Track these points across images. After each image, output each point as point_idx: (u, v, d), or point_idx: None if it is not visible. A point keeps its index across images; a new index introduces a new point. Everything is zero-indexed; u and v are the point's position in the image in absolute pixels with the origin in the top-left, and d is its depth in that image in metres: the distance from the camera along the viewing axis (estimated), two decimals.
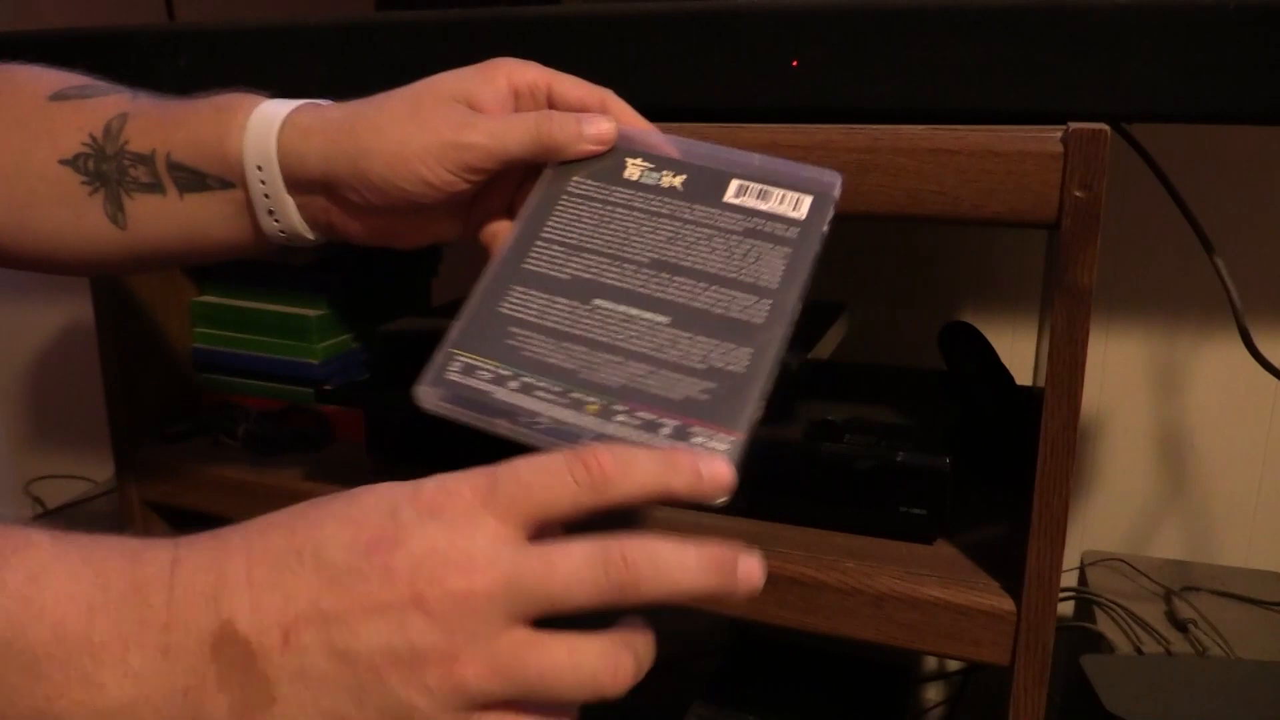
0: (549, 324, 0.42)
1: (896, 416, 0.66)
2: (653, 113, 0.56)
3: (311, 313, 0.79)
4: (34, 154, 0.48)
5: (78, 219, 0.48)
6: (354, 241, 0.50)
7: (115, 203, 0.48)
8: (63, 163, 0.48)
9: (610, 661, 0.35)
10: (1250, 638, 0.76)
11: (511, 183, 0.49)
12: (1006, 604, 0.53)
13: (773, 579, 0.58)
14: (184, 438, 0.81)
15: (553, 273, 0.44)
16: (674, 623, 1.18)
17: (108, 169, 0.48)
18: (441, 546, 0.32)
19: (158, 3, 0.98)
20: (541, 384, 0.41)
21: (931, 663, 1.06)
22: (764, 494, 0.63)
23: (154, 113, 0.49)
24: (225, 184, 0.48)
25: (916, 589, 0.55)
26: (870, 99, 0.52)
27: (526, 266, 0.44)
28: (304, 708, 0.32)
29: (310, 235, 0.49)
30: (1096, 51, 0.48)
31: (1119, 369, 0.95)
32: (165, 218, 0.48)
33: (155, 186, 0.48)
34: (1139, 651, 0.75)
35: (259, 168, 0.47)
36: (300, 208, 0.48)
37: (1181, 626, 0.77)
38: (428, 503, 0.33)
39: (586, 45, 0.57)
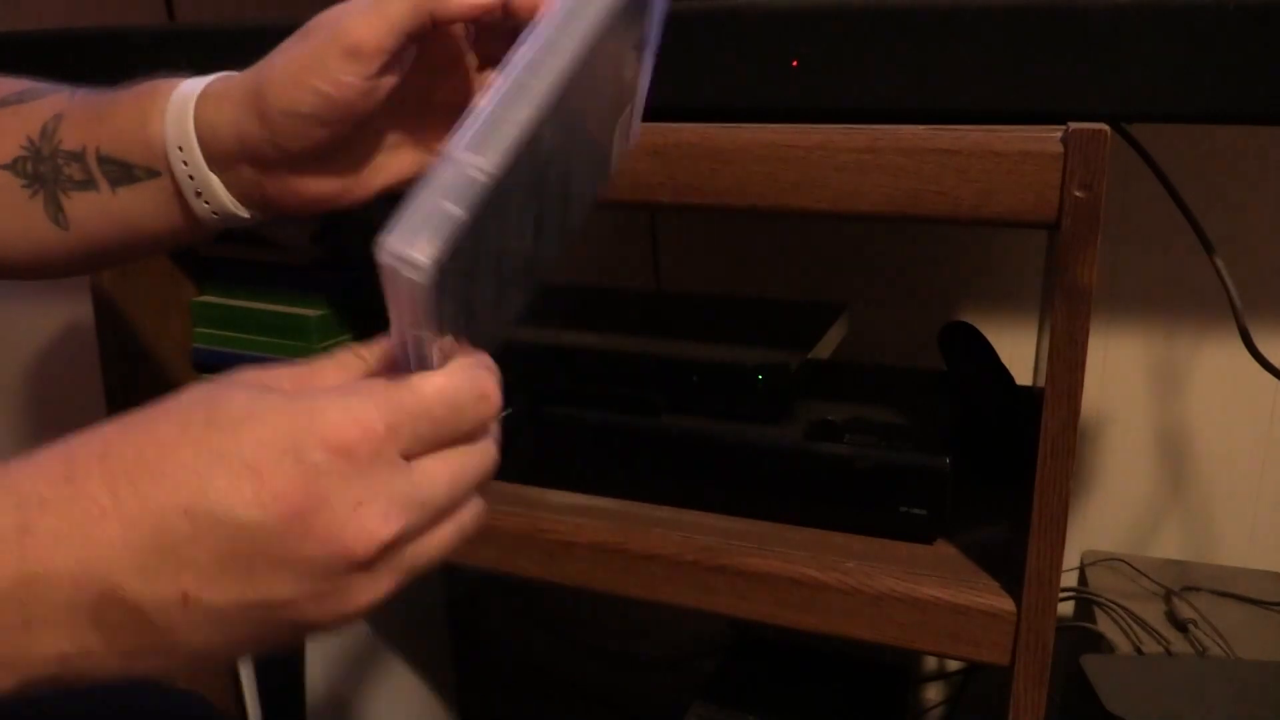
0: None
1: (896, 416, 0.66)
2: (653, 113, 0.56)
3: (311, 313, 0.79)
4: None
5: (22, 223, 0.48)
6: (295, 213, 0.47)
7: (54, 204, 0.48)
8: (3, 168, 0.48)
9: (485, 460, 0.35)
10: (1250, 638, 0.76)
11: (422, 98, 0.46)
12: (1006, 604, 0.53)
13: (773, 579, 0.58)
14: None
15: None
16: (674, 623, 1.18)
17: (44, 170, 0.47)
18: (363, 498, 0.30)
19: (158, 3, 0.98)
20: None
21: (931, 663, 1.06)
22: (764, 494, 0.63)
23: (85, 109, 0.48)
24: (151, 173, 0.46)
25: (916, 589, 0.55)
26: (870, 99, 0.52)
27: None
28: (208, 644, 0.31)
29: (244, 213, 0.47)
30: (1096, 51, 0.48)
31: (1119, 369, 0.95)
32: (102, 214, 0.48)
33: (89, 183, 0.47)
34: (1139, 651, 0.75)
35: (179, 148, 0.45)
36: (228, 185, 0.46)
37: (1181, 626, 0.77)
38: (337, 443, 0.30)
39: None
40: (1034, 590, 0.52)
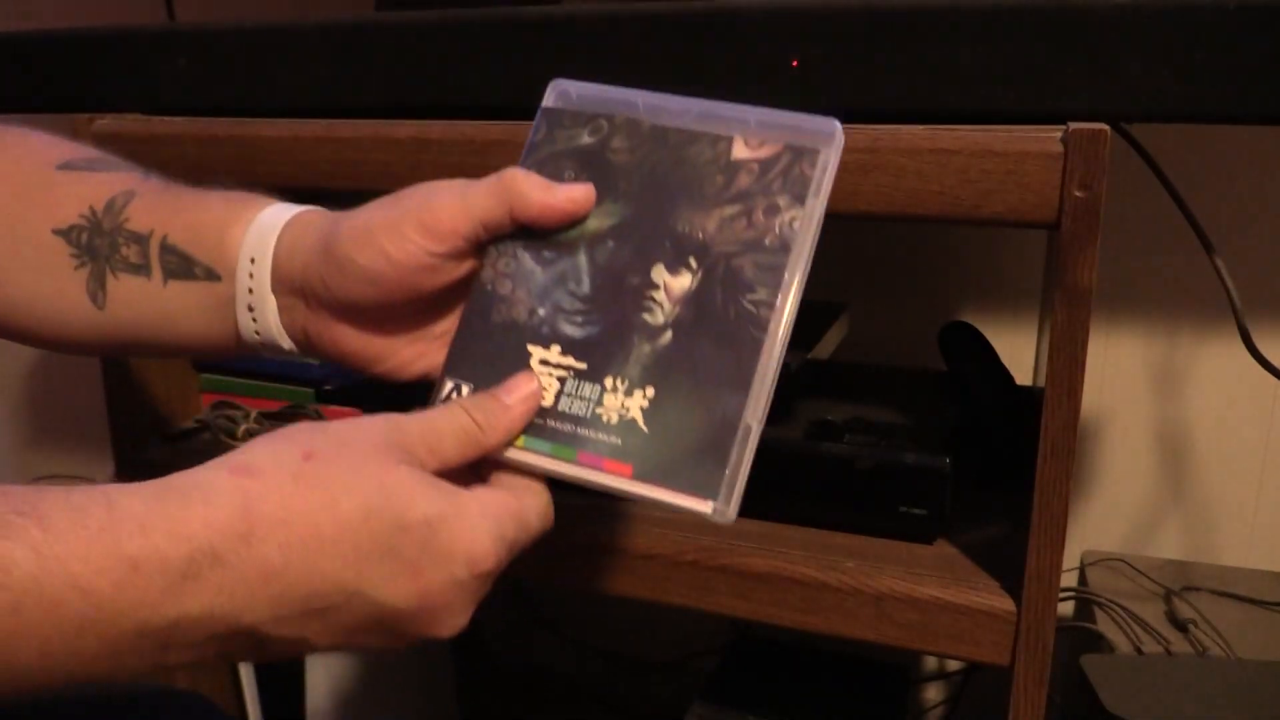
0: None
1: (896, 416, 0.66)
2: None
3: None
4: (29, 219, 0.47)
5: (57, 292, 0.47)
6: (331, 360, 0.47)
7: (99, 280, 0.47)
8: (56, 232, 0.46)
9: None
10: (1250, 638, 0.76)
11: None
12: (1006, 604, 0.53)
13: (773, 579, 0.58)
14: (184, 438, 0.81)
15: None
16: (674, 623, 1.18)
17: (100, 244, 0.46)
18: (477, 592, 0.39)
19: (158, 3, 0.98)
20: None
21: (931, 663, 1.06)
22: (764, 494, 0.62)
23: (161, 194, 0.48)
24: (212, 275, 0.46)
25: (916, 589, 0.55)
26: (870, 99, 0.52)
27: None
28: (293, 652, 0.36)
29: (284, 343, 0.46)
30: (1096, 51, 0.48)
31: (1119, 369, 0.95)
32: (144, 303, 0.47)
33: (142, 269, 0.46)
34: (1139, 651, 0.75)
35: (252, 260, 0.45)
36: (280, 310, 0.45)
37: (1181, 626, 0.77)
38: (479, 569, 0.37)
39: (586, 45, 0.57)
40: (1034, 590, 0.52)
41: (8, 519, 0.30)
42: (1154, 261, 0.92)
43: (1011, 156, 0.48)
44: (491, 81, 0.60)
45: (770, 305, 0.39)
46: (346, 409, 0.79)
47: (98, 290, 0.47)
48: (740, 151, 0.41)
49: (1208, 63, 0.46)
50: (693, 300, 0.40)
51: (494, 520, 0.38)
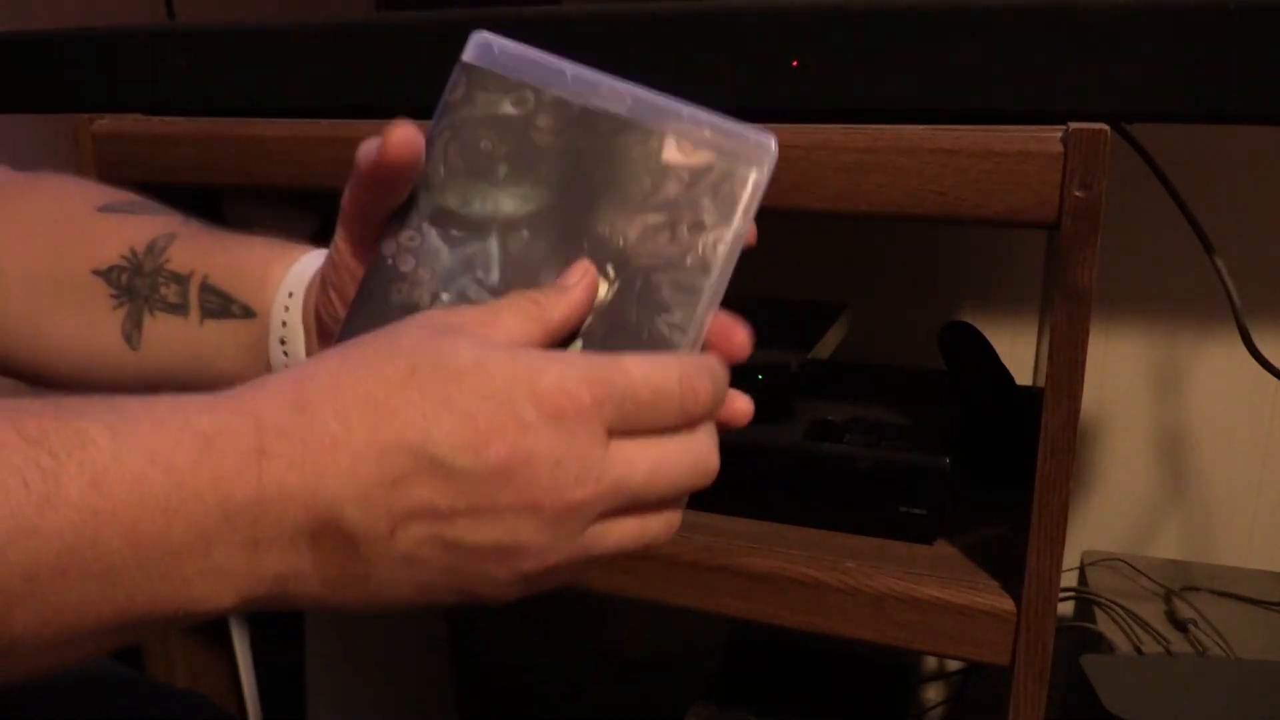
0: None
1: (896, 416, 0.66)
2: None
3: None
4: (69, 260, 0.47)
5: (93, 332, 0.47)
6: None
7: (135, 321, 0.47)
8: (96, 273, 0.47)
9: (698, 468, 0.35)
10: (1250, 638, 0.76)
11: None
12: (1006, 604, 0.53)
13: (773, 579, 0.58)
14: None
15: None
16: (674, 623, 1.18)
17: (139, 284, 0.46)
18: (561, 458, 0.32)
19: (158, 3, 0.98)
20: None
21: (931, 663, 1.06)
22: (764, 494, 0.63)
23: (201, 237, 0.48)
24: (248, 313, 0.46)
25: (916, 589, 0.55)
26: (870, 99, 0.52)
27: None
28: (398, 583, 0.32)
29: None
30: (1096, 51, 0.48)
31: (1119, 369, 0.95)
32: (179, 342, 0.47)
33: (180, 308, 0.46)
34: (1139, 651, 0.75)
35: (290, 294, 0.45)
36: (309, 346, 0.45)
37: (1181, 626, 0.77)
38: (549, 405, 0.32)
39: (586, 45, 0.57)
40: (1034, 590, 0.52)
41: (80, 404, 0.30)
42: (1154, 261, 0.92)
43: (1011, 156, 0.48)
44: None
45: (683, 330, 0.37)
46: None
47: (133, 330, 0.47)
48: (672, 154, 0.39)
49: (1208, 63, 0.46)
50: (605, 313, 0.38)
51: (568, 361, 0.33)
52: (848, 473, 0.60)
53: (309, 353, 0.45)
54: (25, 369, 0.49)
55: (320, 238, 0.79)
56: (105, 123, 0.69)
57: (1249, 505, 0.95)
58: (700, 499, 0.64)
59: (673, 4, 0.55)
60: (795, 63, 0.53)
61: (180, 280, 0.46)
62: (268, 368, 0.46)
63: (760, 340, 0.71)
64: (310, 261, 0.46)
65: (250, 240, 0.47)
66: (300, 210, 0.79)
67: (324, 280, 0.42)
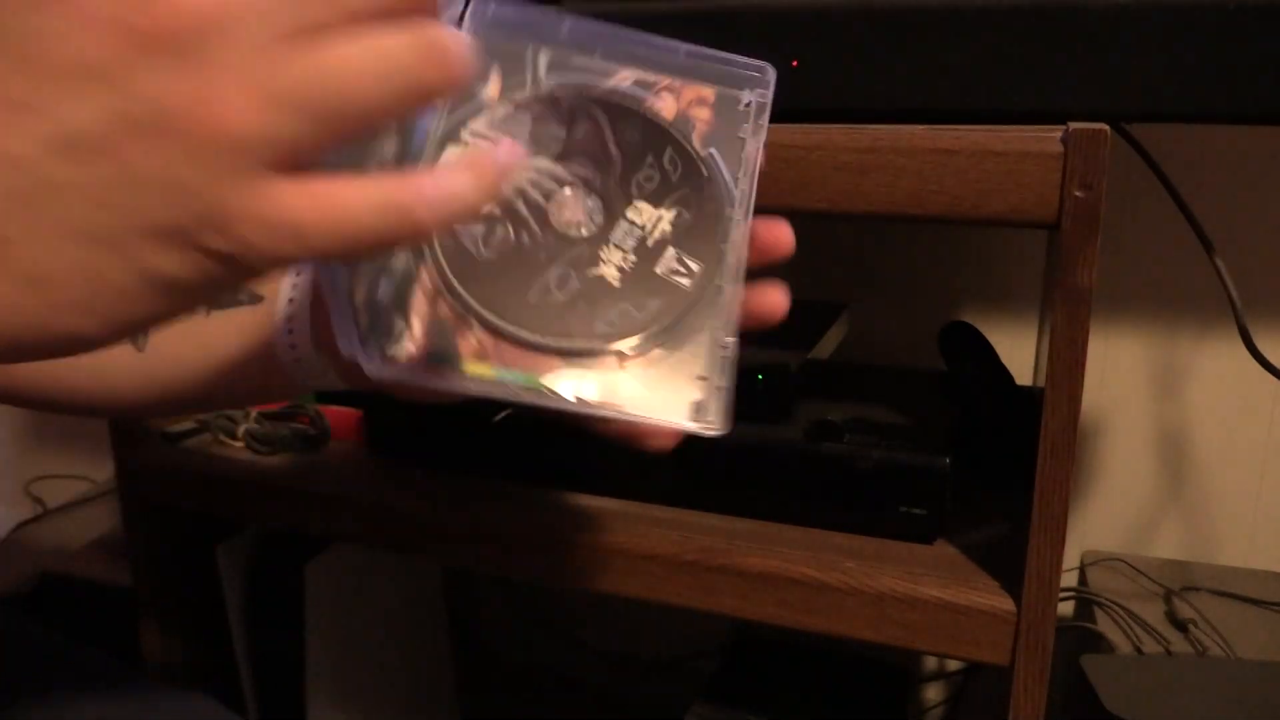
0: None
1: (896, 416, 0.66)
2: None
3: None
4: None
5: None
6: (354, 385, 0.46)
7: None
8: None
9: (421, 39, 0.24)
10: (1250, 638, 0.76)
11: None
12: (1006, 604, 0.53)
13: (773, 579, 0.58)
14: (184, 438, 0.81)
15: None
16: (674, 623, 1.18)
17: None
18: None
19: None
20: None
21: (931, 663, 1.06)
22: (764, 494, 0.63)
23: None
24: (255, 298, 0.45)
25: (916, 589, 0.55)
26: (870, 99, 0.52)
27: None
28: (44, 239, 0.23)
29: (317, 359, 0.45)
30: (1096, 51, 0.48)
31: (1119, 369, 0.95)
32: (184, 338, 0.46)
33: None
34: (1139, 651, 0.75)
35: (297, 273, 0.44)
36: (317, 326, 0.44)
37: (1181, 626, 0.77)
38: None
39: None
40: (1034, 590, 0.52)
41: None
42: (1154, 261, 0.92)
43: (1011, 156, 0.48)
44: None
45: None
46: (347, 409, 0.79)
47: (138, 332, 0.46)
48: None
49: (1208, 63, 0.46)
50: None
51: None
52: (848, 473, 0.60)
53: (319, 343, 0.45)
54: (34, 395, 0.47)
55: None
56: None
57: (1249, 505, 0.95)
58: (700, 499, 0.64)
59: (673, 4, 0.55)
60: (795, 63, 0.53)
61: None
62: (273, 356, 0.46)
63: (760, 340, 0.71)
64: None
65: None
66: None
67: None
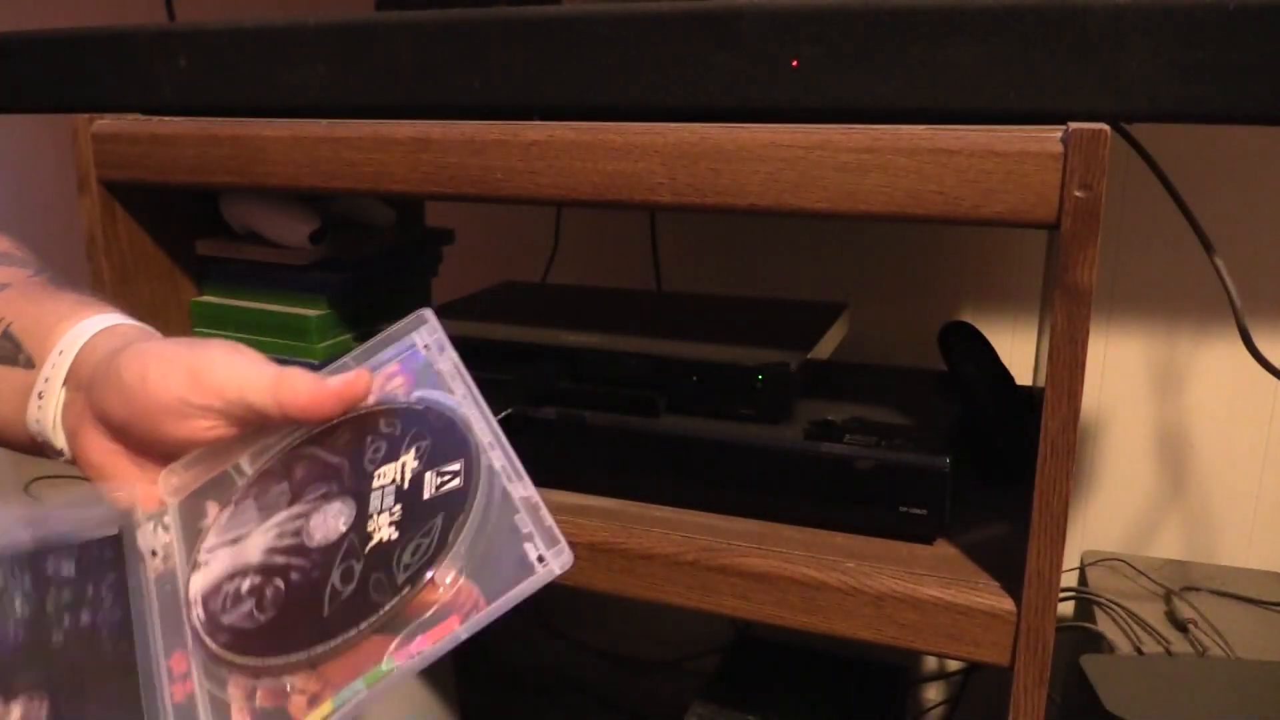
0: None
1: (896, 416, 0.66)
2: (653, 113, 0.56)
3: (311, 313, 0.79)
4: None
5: None
6: (80, 465, 0.46)
7: None
8: None
9: None
10: (1250, 638, 0.76)
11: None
12: (1006, 604, 0.53)
13: (773, 579, 0.58)
14: None
15: None
16: (674, 623, 1.18)
17: None
18: None
19: (158, 3, 0.98)
20: None
21: (931, 663, 1.06)
22: (764, 494, 0.63)
23: (33, 290, 0.49)
24: (30, 363, 0.46)
25: (916, 589, 0.55)
26: (870, 99, 0.52)
27: None
28: None
29: (57, 437, 0.46)
30: (1096, 51, 0.48)
31: (1119, 369, 0.95)
32: None
33: None
34: (1139, 651, 0.75)
35: (60, 351, 0.46)
36: (65, 404, 0.45)
37: (1181, 626, 0.77)
38: None
39: (586, 45, 0.57)
40: (1034, 590, 0.52)
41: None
42: (1154, 261, 0.93)
43: (1011, 156, 0.48)
44: (491, 81, 0.60)
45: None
46: None
47: None
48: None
49: (1208, 63, 0.46)
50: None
51: None
52: (848, 473, 0.60)
53: (62, 416, 0.45)
54: None
55: (320, 236, 0.80)
56: (105, 123, 0.69)
57: (1249, 505, 0.95)
58: (700, 499, 0.64)
59: (673, 4, 0.55)
60: (795, 63, 0.53)
61: None
62: (21, 426, 0.46)
63: (760, 340, 0.71)
64: (98, 321, 0.47)
65: (67, 298, 0.48)
66: (300, 210, 0.79)
67: (112, 361, 0.43)
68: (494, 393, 0.64)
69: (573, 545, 0.62)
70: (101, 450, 0.44)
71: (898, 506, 0.59)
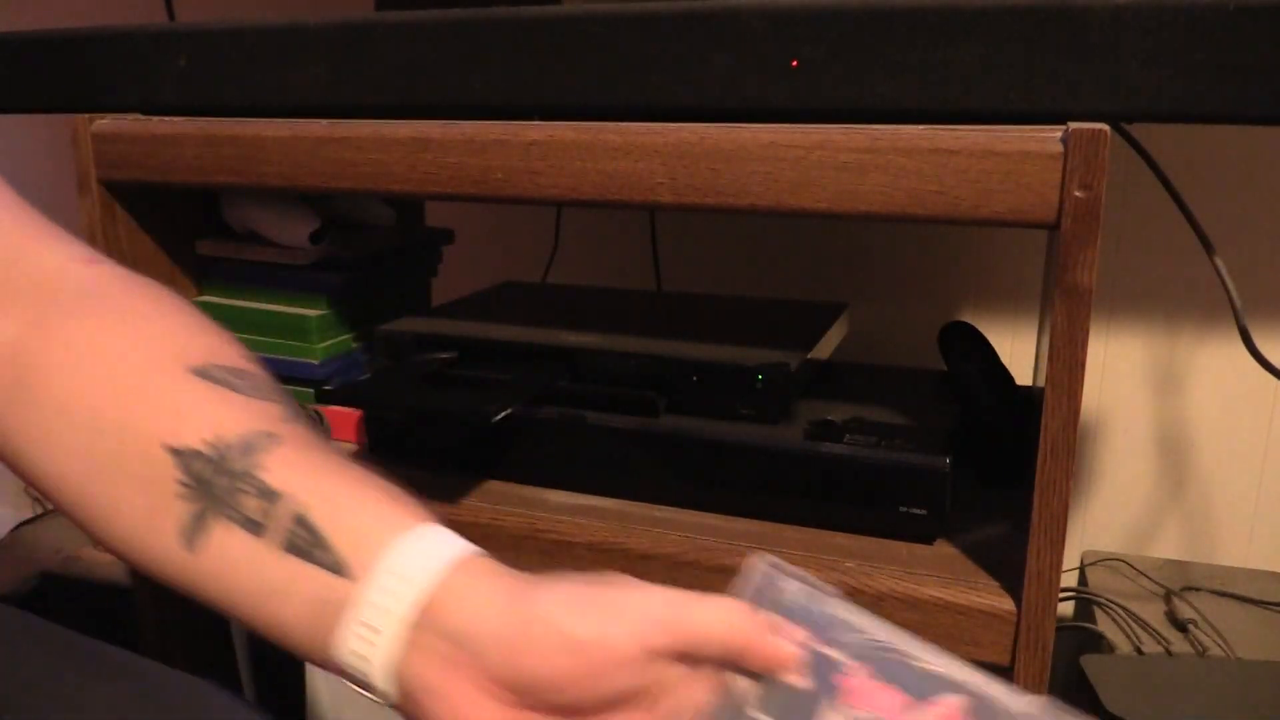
0: None
1: (896, 416, 0.66)
2: (653, 113, 0.56)
3: (311, 313, 0.79)
4: (142, 422, 0.40)
5: (148, 514, 0.40)
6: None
7: (200, 521, 0.39)
8: (170, 449, 0.39)
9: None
10: (1250, 638, 0.76)
11: None
12: (1006, 604, 0.53)
13: None
14: None
15: None
16: None
17: (218, 483, 0.39)
18: None
19: (157, 3, 0.98)
20: None
21: None
22: (764, 494, 0.63)
23: (310, 451, 0.41)
24: (339, 570, 0.38)
25: (916, 589, 0.55)
26: (870, 99, 0.52)
27: None
28: None
29: (381, 684, 0.38)
30: (1096, 51, 0.48)
31: (1119, 369, 0.95)
32: (246, 565, 0.39)
33: (257, 527, 0.39)
34: (1139, 651, 0.75)
35: (398, 576, 0.37)
36: (411, 646, 0.37)
37: (1181, 626, 0.77)
38: None
39: (586, 45, 0.57)
40: (1034, 590, 0.52)
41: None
42: (1154, 261, 0.92)
43: (1011, 156, 0.48)
44: (491, 81, 0.60)
45: None
46: (347, 409, 0.79)
47: (195, 532, 0.39)
48: None
49: (1208, 63, 0.46)
50: None
51: None
52: (848, 473, 0.60)
53: (403, 660, 0.37)
54: (68, 513, 0.42)
55: (320, 236, 0.80)
56: (105, 123, 0.69)
57: (1249, 505, 0.95)
58: (700, 499, 0.64)
59: (673, 4, 0.55)
60: (795, 63, 0.53)
61: (269, 497, 0.39)
62: (329, 641, 0.38)
63: (760, 340, 0.71)
64: (437, 543, 0.39)
65: (361, 480, 0.41)
66: (300, 210, 0.79)
67: (531, 613, 0.38)
68: (494, 393, 0.65)
69: (573, 545, 0.62)
70: (485, 712, 0.37)
71: (897, 506, 0.59)
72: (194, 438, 0.40)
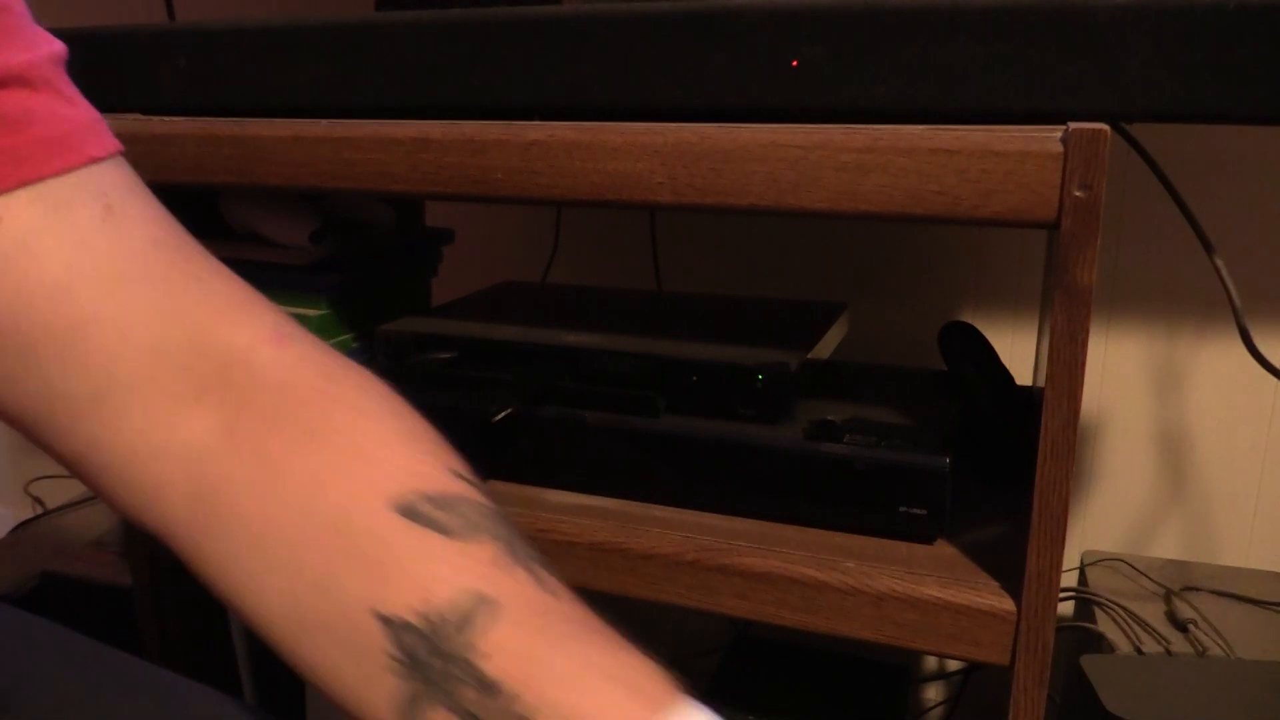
0: None
1: (896, 416, 0.66)
2: (653, 112, 0.56)
3: (311, 313, 0.79)
4: (346, 581, 0.35)
5: (362, 686, 0.35)
6: None
7: (414, 705, 0.34)
8: (379, 617, 0.35)
9: None
10: (1250, 638, 0.76)
11: None
12: (1006, 604, 0.53)
13: (773, 579, 0.58)
14: None
15: None
16: (674, 623, 1.18)
17: (433, 665, 0.34)
18: None
19: (157, 3, 0.98)
20: None
21: (931, 663, 1.06)
22: (764, 494, 0.63)
23: (530, 621, 0.35)
24: None
25: (916, 589, 0.55)
26: (870, 99, 0.52)
27: None
28: None
29: None
30: (1096, 51, 0.48)
31: (1119, 369, 0.95)
32: None
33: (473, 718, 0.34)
34: (1139, 651, 0.75)
35: None
36: None
37: (1181, 626, 0.77)
38: None
39: (586, 45, 0.57)
40: (1034, 590, 0.52)
41: None
42: (1154, 261, 0.93)
43: (1011, 156, 0.48)
44: (491, 81, 0.60)
45: None
46: None
47: (413, 715, 0.35)
48: None
49: (1208, 63, 0.46)
50: None
51: None
52: (848, 473, 0.60)
53: None
54: (288, 663, 0.38)
55: (320, 236, 0.80)
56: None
57: (1249, 505, 0.95)
58: (700, 499, 0.64)
59: (673, 4, 0.55)
60: (795, 63, 0.53)
61: (490, 691, 0.33)
62: None
63: (760, 340, 0.71)
64: None
65: (591, 664, 0.36)
66: (300, 210, 0.79)
67: None
68: (494, 393, 0.65)
69: (573, 545, 0.62)
70: None
71: (898, 506, 0.59)
72: (402, 605, 0.35)
